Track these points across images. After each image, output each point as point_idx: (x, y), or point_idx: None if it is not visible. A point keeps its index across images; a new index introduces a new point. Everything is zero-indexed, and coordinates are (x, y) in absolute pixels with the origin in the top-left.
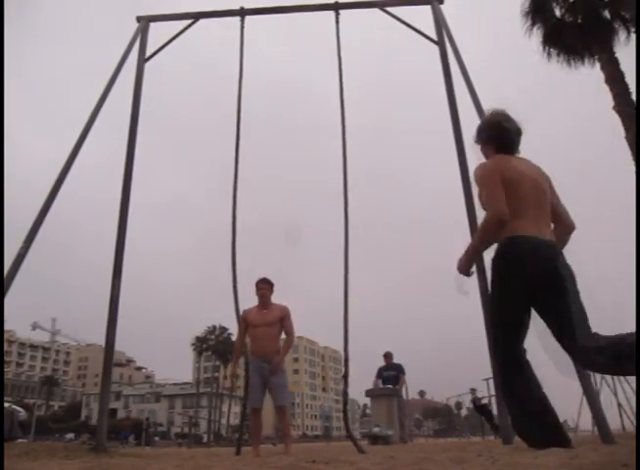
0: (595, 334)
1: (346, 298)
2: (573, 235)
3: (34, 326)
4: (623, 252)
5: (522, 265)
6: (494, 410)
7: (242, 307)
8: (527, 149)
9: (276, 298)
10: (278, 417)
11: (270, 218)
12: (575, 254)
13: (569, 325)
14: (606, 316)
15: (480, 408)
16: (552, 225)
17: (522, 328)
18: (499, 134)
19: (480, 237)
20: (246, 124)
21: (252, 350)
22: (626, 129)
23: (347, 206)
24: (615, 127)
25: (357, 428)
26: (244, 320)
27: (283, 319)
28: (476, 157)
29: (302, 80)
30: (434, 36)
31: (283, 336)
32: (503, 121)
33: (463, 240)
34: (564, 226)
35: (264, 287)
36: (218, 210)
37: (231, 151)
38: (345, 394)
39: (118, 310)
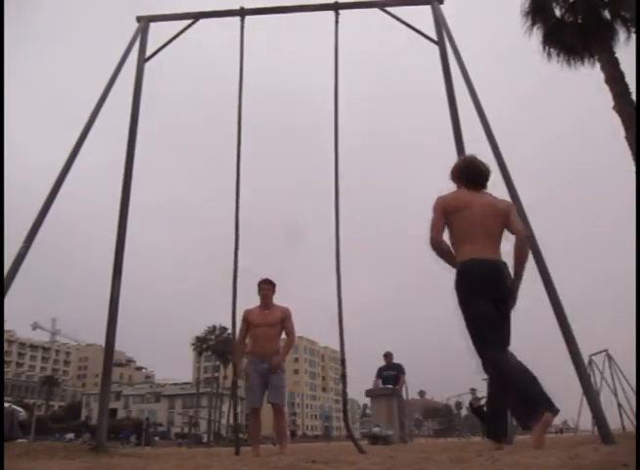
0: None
1: (340, 299)
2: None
3: (34, 326)
4: (624, 252)
5: (473, 283)
6: None
7: (240, 308)
8: (528, 149)
9: (276, 297)
10: (274, 416)
11: (270, 219)
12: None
13: (509, 334)
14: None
15: (477, 411)
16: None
17: (497, 327)
18: (466, 176)
19: (440, 258)
20: (245, 124)
21: (252, 350)
22: (626, 129)
23: (338, 206)
24: (615, 127)
25: (357, 428)
26: (245, 320)
27: (284, 320)
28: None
29: (302, 80)
30: (434, 36)
31: (283, 336)
32: (471, 165)
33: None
34: (517, 238)
35: (267, 288)
36: (218, 210)
37: (231, 151)
38: (344, 394)
39: (118, 310)
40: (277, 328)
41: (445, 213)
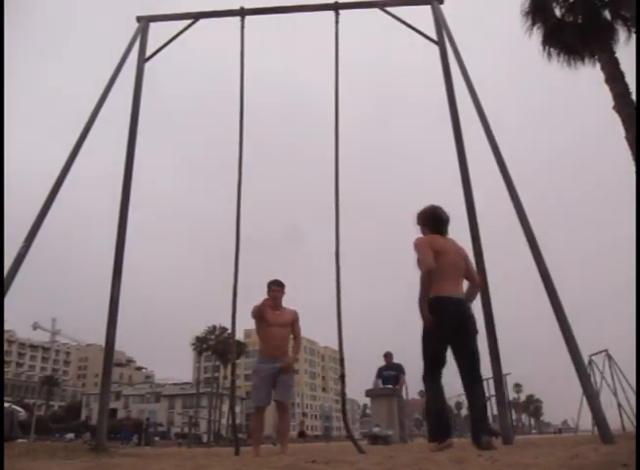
0: None
1: (339, 299)
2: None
3: (35, 326)
4: (624, 251)
5: (443, 317)
6: (494, 410)
7: (240, 308)
8: (528, 149)
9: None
10: (278, 415)
11: (271, 218)
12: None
13: (475, 359)
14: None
15: None
16: (465, 282)
17: (442, 360)
18: (431, 221)
19: (422, 288)
20: (246, 124)
21: (264, 349)
22: (626, 129)
23: (338, 205)
24: (615, 127)
25: (357, 428)
26: (261, 311)
27: (293, 323)
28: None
29: (303, 80)
30: (434, 36)
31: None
32: (435, 213)
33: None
34: (473, 284)
35: (277, 289)
36: (218, 211)
37: (230, 152)
38: (343, 394)
39: (118, 311)
40: (287, 329)
41: (432, 250)
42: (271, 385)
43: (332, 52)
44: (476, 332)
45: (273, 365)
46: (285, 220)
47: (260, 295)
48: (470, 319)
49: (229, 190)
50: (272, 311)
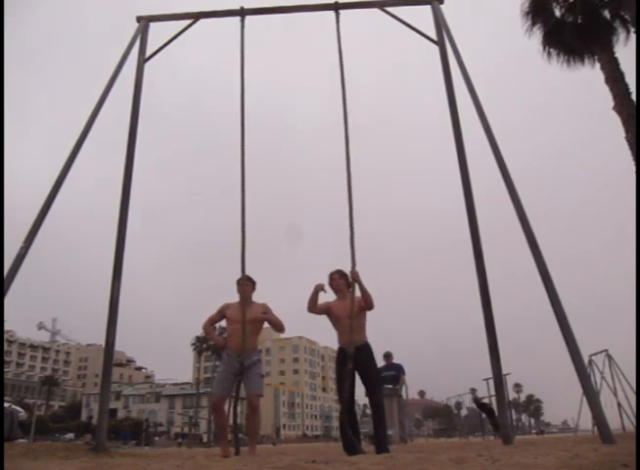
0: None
1: (353, 297)
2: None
3: (40, 326)
4: (625, 250)
5: None
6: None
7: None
8: (529, 151)
9: (277, 296)
10: (247, 411)
11: (271, 217)
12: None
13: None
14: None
15: (483, 406)
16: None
17: None
18: None
19: (365, 291)
20: (246, 125)
21: (228, 344)
22: (626, 129)
23: (352, 210)
24: (615, 127)
25: None
26: (221, 312)
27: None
28: None
29: (302, 81)
30: (434, 36)
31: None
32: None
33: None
34: None
35: (247, 283)
36: (218, 212)
37: (229, 152)
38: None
39: (118, 311)
40: (255, 325)
41: None
42: (232, 379)
43: (330, 52)
44: None
45: (236, 359)
46: (284, 220)
47: (262, 293)
48: None
49: (229, 190)
50: (238, 307)
